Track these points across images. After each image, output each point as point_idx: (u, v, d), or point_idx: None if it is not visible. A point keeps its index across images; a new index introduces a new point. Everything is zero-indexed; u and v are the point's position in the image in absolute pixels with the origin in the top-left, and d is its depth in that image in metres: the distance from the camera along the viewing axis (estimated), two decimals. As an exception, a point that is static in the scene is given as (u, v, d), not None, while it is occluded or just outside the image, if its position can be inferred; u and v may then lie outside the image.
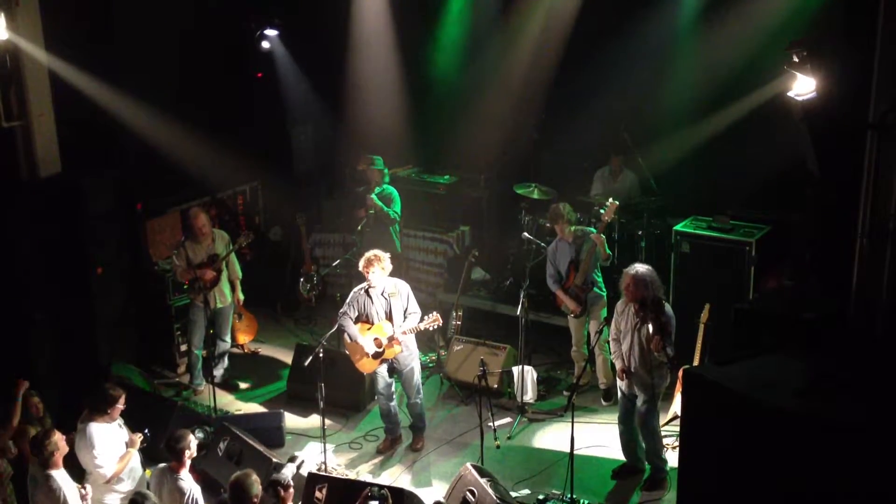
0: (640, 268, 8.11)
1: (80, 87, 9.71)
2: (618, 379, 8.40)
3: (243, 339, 11.12)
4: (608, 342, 8.75)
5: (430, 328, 8.80)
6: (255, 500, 6.78)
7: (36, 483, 7.24)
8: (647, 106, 11.00)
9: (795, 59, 7.24)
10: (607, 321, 8.69)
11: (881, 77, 6.26)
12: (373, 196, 10.74)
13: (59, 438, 7.22)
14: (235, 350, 10.96)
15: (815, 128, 7.46)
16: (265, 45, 12.27)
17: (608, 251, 9.34)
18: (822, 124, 7.30)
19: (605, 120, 10.99)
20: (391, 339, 8.69)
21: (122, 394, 7.81)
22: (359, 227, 11.23)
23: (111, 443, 7.67)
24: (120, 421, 7.81)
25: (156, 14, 10.79)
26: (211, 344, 10.10)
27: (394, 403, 9.12)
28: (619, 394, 8.43)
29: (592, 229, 9.53)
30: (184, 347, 10.64)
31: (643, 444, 8.43)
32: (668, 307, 8.08)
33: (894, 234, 6.17)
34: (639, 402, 8.22)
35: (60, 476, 7.20)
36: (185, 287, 10.19)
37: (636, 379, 8.15)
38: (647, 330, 7.93)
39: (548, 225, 10.21)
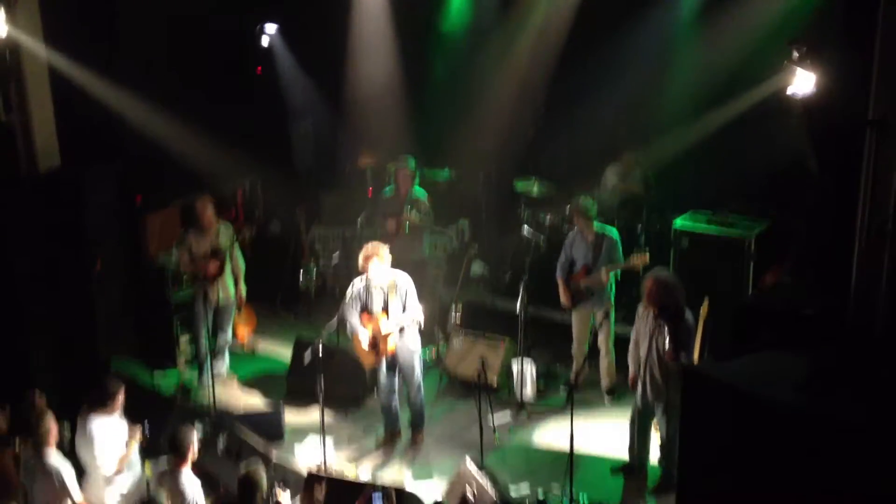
0: (663, 273, 8.08)
1: (79, 81, 9.70)
2: (630, 384, 8.34)
3: (242, 333, 11.09)
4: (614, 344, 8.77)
5: (412, 326, 8.81)
6: (263, 492, 6.87)
7: (31, 470, 7.26)
8: (646, 102, 11.00)
9: (795, 56, 7.25)
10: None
11: (880, 74, 6.25)
12: (412, 213, 10.59)
13: (51, 419, 7.27)
14: (234, 344, 10.95)
15: (815, 125, 7.48)
16: (265, 39, 12.28)
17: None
18: (821, 121, 7.31)
19: (605, 116, 10.99)
20: (385, 335, 8.70)
21: (122, 386, 7.83)
22: (357, 225, 11.22)
23: (111, 437, 7.69)
24: (120, 414, 7.83)
25: (156, 8, 10.80)
26: (213, 339, 10.09)
27: (394, 399, 9.13)
28: (636, 398, 8.26)
29: (614, 230, 9.52)
30: (183, 341, 10.63)
31: (659, 456, 8.32)
32: (688, 315, 7.92)
33: (893, 231, 6.18)
34: (657, 412, 8.11)
35: (55, 456, 7.24)
36: (186, 279, 10.16)
37: (651, 386, 8.02)
38: (665, 337, 7.82)
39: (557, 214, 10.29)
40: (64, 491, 7.17)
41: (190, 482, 7.22)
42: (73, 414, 7.82)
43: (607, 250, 9.38)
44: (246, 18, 12.22)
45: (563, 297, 9.56)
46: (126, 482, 7.74)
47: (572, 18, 11.36)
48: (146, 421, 7.86)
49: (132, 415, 7.96)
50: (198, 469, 7.63)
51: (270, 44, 12.38)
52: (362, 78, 12.69)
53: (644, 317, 8.11)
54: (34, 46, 9.16)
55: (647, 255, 9.26)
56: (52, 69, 9.40)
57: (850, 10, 7.15)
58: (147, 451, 7.97)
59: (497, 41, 12.20)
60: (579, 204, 9.45)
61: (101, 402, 7.71)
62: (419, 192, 10.79)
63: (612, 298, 9.50)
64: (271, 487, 7.29)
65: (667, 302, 7.84)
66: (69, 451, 7.77)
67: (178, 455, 7.22)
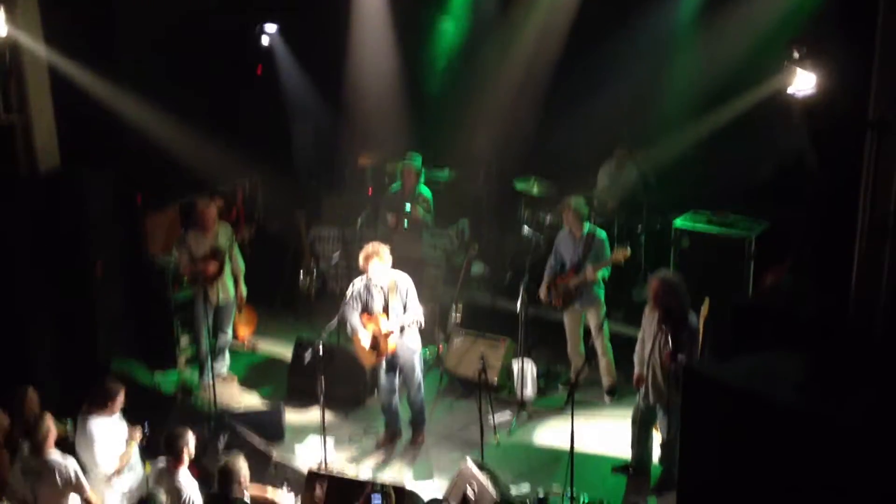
0: (668, 275, 8.09)
1: (79, 82, 9.70)
2: (634, 383, 8.34)
3: (243, 332, 11.11)
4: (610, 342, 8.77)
5: (413, 325, 8.82)
6: (244, 480, 6.97)
7: (34, 473, 7.25)
8: (646, 102, 11.00)
9: (796, 56, 7.26)
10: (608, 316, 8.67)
11: (880, 75, 6.26)
12: (416, 208, 10.67)
13: (50, 421, 7.27)
14: (235, 344, 10.94)
15: (815, 125, 7.48)
16: (265, 39, 12.29)
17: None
18: (821, 121, 7.32)
19: (604, 115, 10.98)
20: (385, 335, 8.71)
21: (122, 388, 7.84)
22: (357, 226, 11.21)
23: (111, 437, 7.70)
24: (119, 415, 7.84)
25: (155, 8, 10.80)
26: (213, 339, 10.09)
27: (395, 398, 9.13)
28: (638, 398, 8.29)
29: (603, 231, 9.51)
30: (183, 341, 10.65)
31: (661, 455, 8.35)
32: (692, 320, 7.91)
33: (893, 231, 6.18)
34: (659, 414, 8.13)
35: (57, 454, 7.25)
36: (186, 281, 10.17)
37: (653, 386, 8.03)
38: (666, 338, 7.83)
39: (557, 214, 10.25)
40: (71, 486, 7.17)
41: (186, 482, 7.24)
42: (74, 414, 7.83)
43: (595, 250, 9.37)
44: (246, 18, 12.22)
45: (546, 296, 9.56)
46: (127, 482, 7.75)
47: (572, 18, 11.36)
48: (146, 421, 7.88)
49: (133, 415, 7.98)
50: (198, 468, 7.66)
51: (270, 44, 12.40)
52: (362, 78, 12.71)
53: (649, 318, 8.12)
54: (34, 46, 9.17)
55: (629, 249, 9.29)
56: (52, 69, 9.41)
57: (850, 10, 7.15)
58: (147, 452, 8.01)
59: (497, 41, 12.21)
60: (571, 203, 9.46)
61: (102, 403, 7.72)
62: (424, 190, 10.83)
63: (602, 297, 9.49)
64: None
65: (670, 304, 7.84)
66: (70, 451, 7.79)
67: (174, 456, 7.25)
